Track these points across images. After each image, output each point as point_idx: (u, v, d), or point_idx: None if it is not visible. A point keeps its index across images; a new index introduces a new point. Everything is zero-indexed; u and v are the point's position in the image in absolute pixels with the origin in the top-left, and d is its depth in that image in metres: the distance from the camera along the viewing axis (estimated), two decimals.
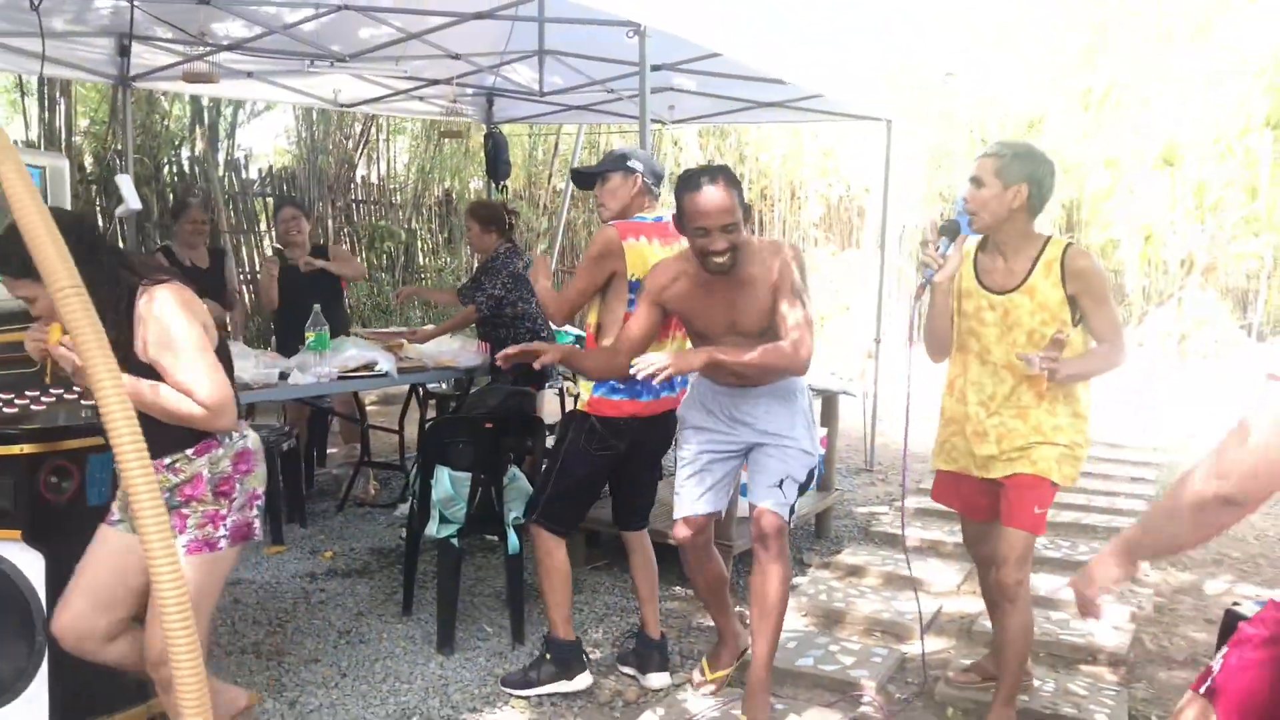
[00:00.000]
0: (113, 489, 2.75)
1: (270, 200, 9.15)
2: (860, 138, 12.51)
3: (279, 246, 5.92)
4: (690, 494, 3.36)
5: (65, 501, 2.72)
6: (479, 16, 4.90)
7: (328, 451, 6.56)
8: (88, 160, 7.80)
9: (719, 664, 3.54)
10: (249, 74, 6.21)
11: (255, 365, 4.46)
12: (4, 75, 8.13)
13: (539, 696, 3.41)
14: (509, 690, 3.44)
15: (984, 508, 3.22)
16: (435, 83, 6.64)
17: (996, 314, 3.03)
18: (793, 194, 13.66)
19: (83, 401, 2.93)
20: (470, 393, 5.03)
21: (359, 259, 8.93)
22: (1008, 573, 3.04)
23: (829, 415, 5.34)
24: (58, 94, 7.60)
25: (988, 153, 2.98)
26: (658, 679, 3.56)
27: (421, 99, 7.38)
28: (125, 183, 3.73)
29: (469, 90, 7.44)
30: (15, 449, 2.62)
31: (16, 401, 2.83)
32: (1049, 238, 3.00)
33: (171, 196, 8.20)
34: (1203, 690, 1.73)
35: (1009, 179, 2.88)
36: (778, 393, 3.23)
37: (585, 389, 3.44)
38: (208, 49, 5.29)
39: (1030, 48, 13.14)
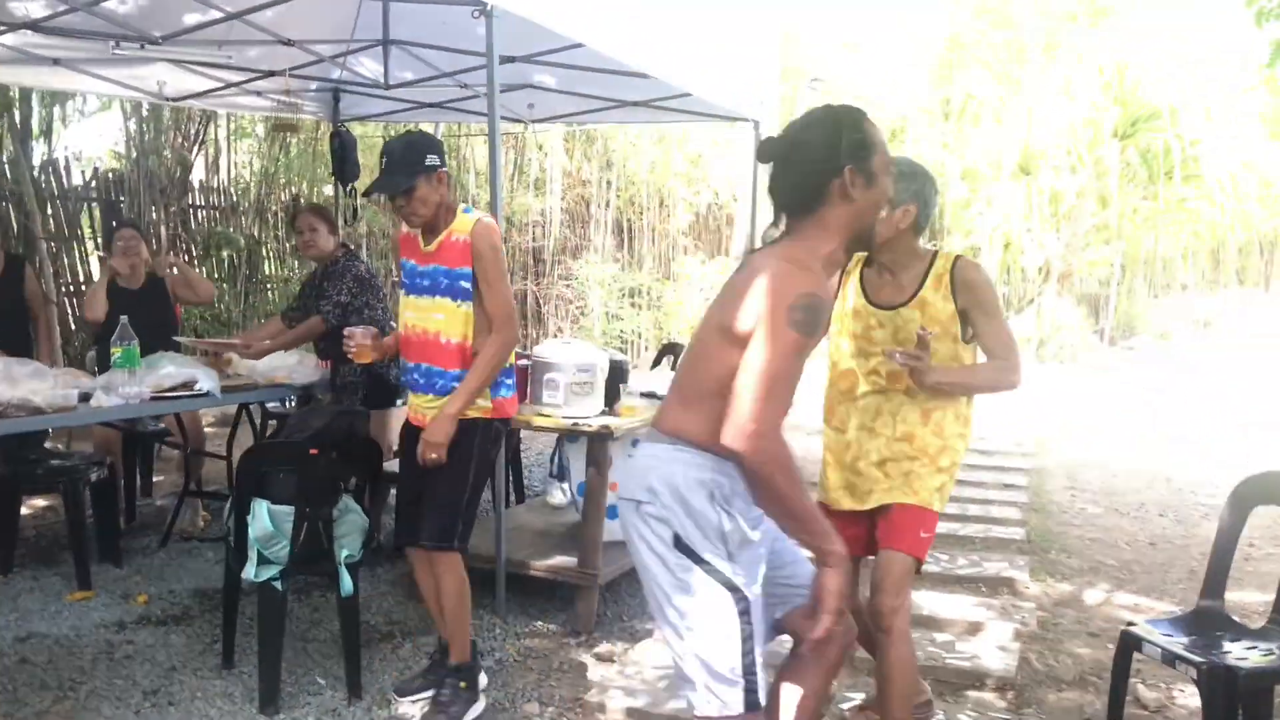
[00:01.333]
0: None
1: (95, 206, 8.38)
2: (727, 145, 12.41)
3: (109, 261, 5.25)
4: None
5: None
6: None
7: (153, 480, 5.92)
8: None
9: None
10: (55, 61, 5.55)
11: (52, 386, 3.89)
12: None
13: None
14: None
15: (859, 539, 2.91)
16: (270, 74, 6.09)
17: (886, 331, 2.85)
18: (661, 202, 13.46)
19: None
20: (288, 415, 4.52)
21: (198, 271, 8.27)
22: (883, 599, 2.79)
23: None
24: None
25: None
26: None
27: (259, 94, 6.79)
28: None
29: (312, 85, 6.89)
30: None
31: None
32: (936, 251, 2.86)
33: None
34: None
35: (897, 199, 2.69)
36: None
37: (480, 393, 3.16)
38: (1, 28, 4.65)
39: (892, 58, 13.29)
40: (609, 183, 12.79)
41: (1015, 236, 14.82)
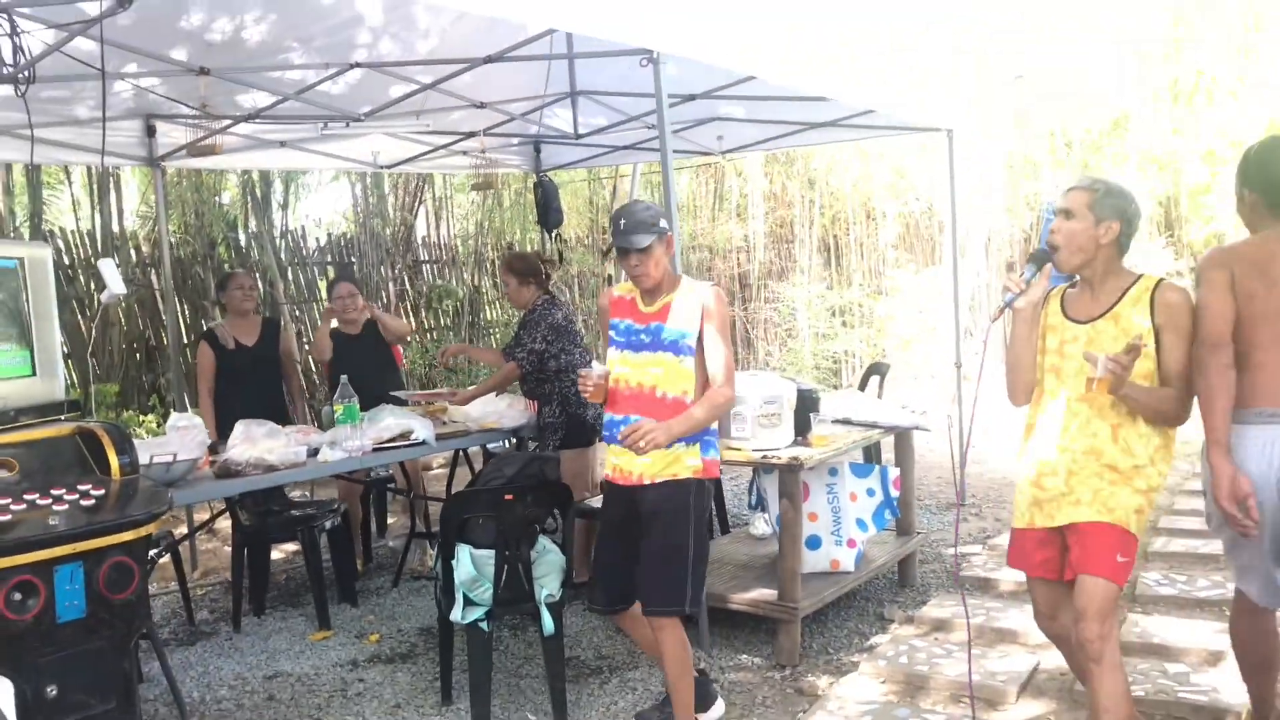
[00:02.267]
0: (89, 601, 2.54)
1: (330, 268, 9.11)
2: (933, 153, 12.03)
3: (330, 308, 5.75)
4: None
5: (30, 620, 2.49)
6: (489, 60, 4.67)
7: (388, 523, 6.35)
8: (144, 245, 7.84)
9: None
10: (281, 143, 6.12)
11: (285, 444, 4.26)
12: (76, 171, 8.23)
13: None
14: None
15: (1052, 562, 2.85)
16: (470, 135, 6.46)
17: (1079, 345, 2.80)
18: (868, 215, 13.19)
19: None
20: (485, 463, 4.74)
21: (410, 321, 8.82)
22: (1087, 627, 2.69)
23: (903, 452, 4.91)
24: (109, 182, 7.69)
25: (1079, 186, 2.85)
26: (715, 710, 3.45)
27: (465, 153, 7.22)
28: (107, 267, 3.57)
29: (514, 140, 7.25)
30: None
31: None
32: (1141, 275, 2.83)
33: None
34: None
35: (1101, 214, 2.75)
36: None
37: (690, 452, 3.17)
38: (228, 122, 5.18)
39: (1106, 41, 12.47)
40: (812, 201, 12.68)
41: None
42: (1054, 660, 3.81)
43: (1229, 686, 3.45)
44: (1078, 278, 2.89)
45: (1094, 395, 2.69)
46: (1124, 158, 13.74)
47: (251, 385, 5.26)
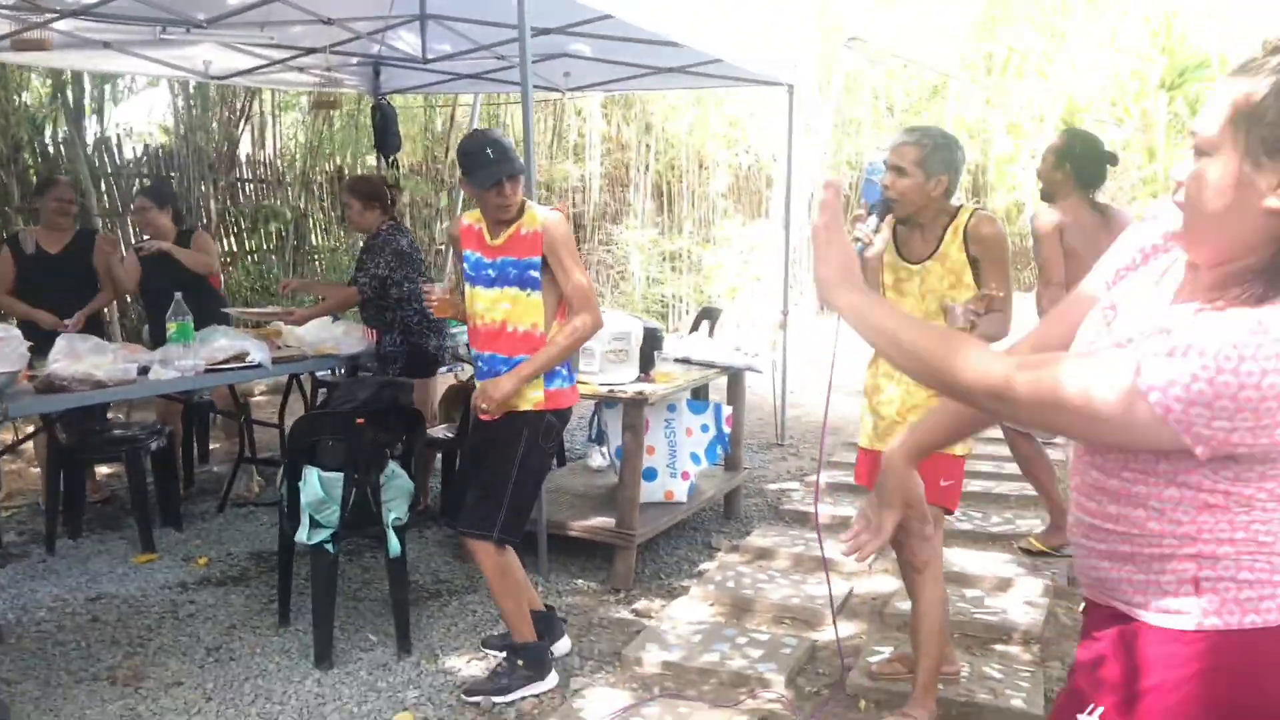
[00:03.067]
0: None
1: (146, 181, 8.60)
2: (767, 105, 12.36)
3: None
4: None
5: None
6: None
7: (209, 448, 6.16)
8: None
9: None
10: (105, 44, 5.73)
11: (113, 360, 4.08)
12: None
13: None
14: (474, 698, 3.21)
15: (869, 473, 3.12)
16: (311, 51, 6.23)
17: (914, 283, 3.03)
18: (700, 164, 13.46)
19: None
20: (337, 385, 4.68)
21: (225, 244, 8.47)
22: (913, 546, 2.92)
23: (735, 392, 5.15)
24: None
25: (906, 141, 2.95)
26: (561, 645, 3.53)
27: (301, 70, 6.95)
28: None
29: (353, 60, 7.03)
30: None
31: None
32: (960, 206, 3.00)
33: (34, 179, 7.63)
34: None
35: (931, 169, 2.89)
36: None
37: (533, 385, 3.21)
38: (52, 15, 4.82)
39: (931, 12, 13.09)
40: (648, 146, 12.82)
41: None
42: (866, 587, 4.15)
43: (1017, 609, 3.85)
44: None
45: None
46: (940, 123, 14.51)
47: (51, 295, 5.01)
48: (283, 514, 3.59)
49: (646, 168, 12.83)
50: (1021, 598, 3.98)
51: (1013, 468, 5.98)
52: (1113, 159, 4.18)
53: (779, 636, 3.66)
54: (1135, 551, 1.38)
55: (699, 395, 5.45)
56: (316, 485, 3.35)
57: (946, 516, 3.14)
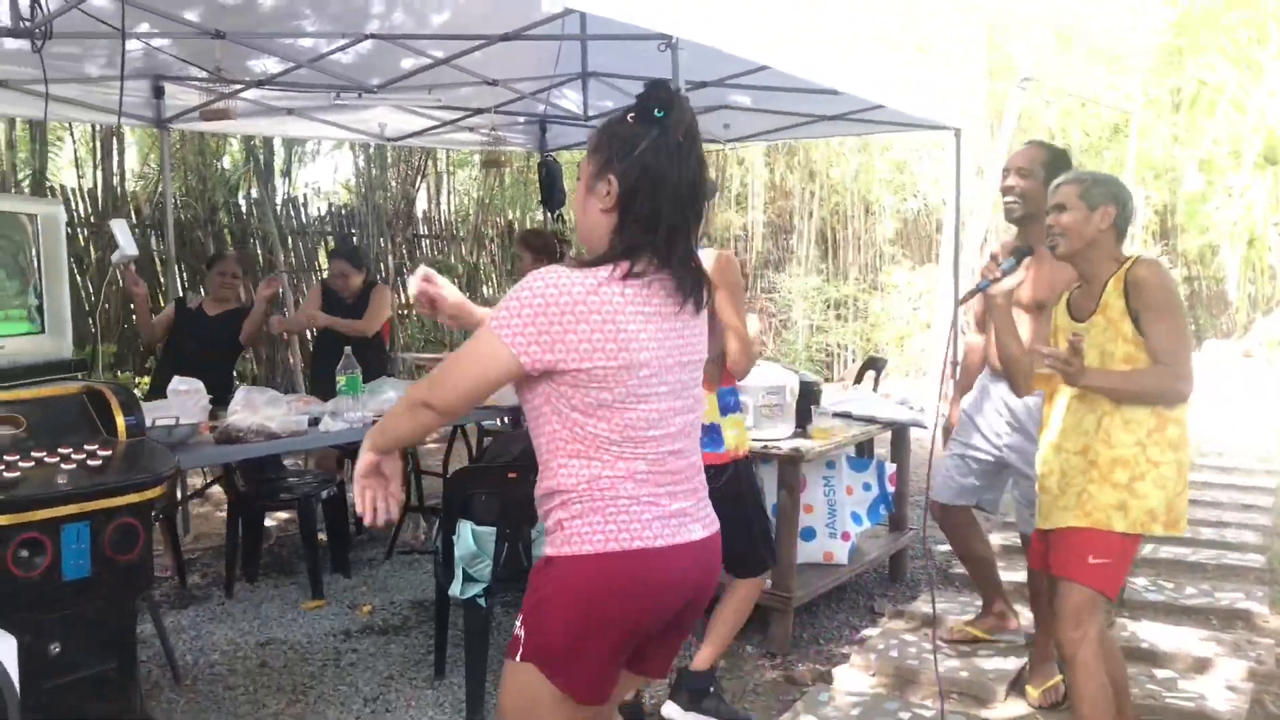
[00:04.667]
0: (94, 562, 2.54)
1: (330, 238, 9.07)
2: (936, 150, 12.06)
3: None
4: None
5: (37, 577, 2.49)
6: (505, 38, 4.66)
7: None
8: (145, 207, 7.79)
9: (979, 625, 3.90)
10: (289, 111, 6.09)
11: (286, 412, 4.26)
12: (79, 129, 8.16)
13: None
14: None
15: (1041, 555, 2.94)
16: (479, 112, 6.43)
17: (1086, 343, 2.77)
18: (866, 209, 13.22)
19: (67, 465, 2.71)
20: (489, 441, 4.75)
21: (397, 297, 8.77)
22: (1061, 628, 2.73)
23: (899, 448, 4.95)
24: (112, 142, 7.64)
25: (1065, 181, 2.84)
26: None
27: (471, 130, 7.20)
28: (120, 228, 3.55)
29: (521, 119, 7.23)
30: None
31: None
32: (1128, 258, 2.79)
33: (229, 238, 8.15)
34: None
35: (1094, 201, 2.75)
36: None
37: (738, 428, 3.33)
38: (236, 88, 5.15)
39: (1111, 48, 12.50)
40: (812, 193, 12.70)
41: (1260, 231, 13.65)
42: None
43: (1216, 694, 3.50)
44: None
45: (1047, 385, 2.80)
46: (1122, 163, 13.81)
47: (196, 352, 5.21)
48: (438, 567, 3.63)
49: (810, 214, 12.70)
50: (1221, 681, 3.62)
51: (1210, 532, 5.55)
52: None
53: (946, 713, 3.44)
54: None
55: (862, 452, 5.26)
56: (469, 539, 3.37)
57: (1124, 592, 2.91)
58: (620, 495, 1.80)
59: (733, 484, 3.23)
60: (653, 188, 1.79)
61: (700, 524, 1.92)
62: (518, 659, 1.85)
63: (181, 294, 6.72)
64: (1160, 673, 3.72)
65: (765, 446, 4.00)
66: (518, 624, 1.87)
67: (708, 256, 3.22)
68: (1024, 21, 11.44)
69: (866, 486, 4.58)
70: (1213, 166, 13.98)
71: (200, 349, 5.24)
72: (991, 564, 3.98)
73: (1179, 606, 4.43)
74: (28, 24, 3.63)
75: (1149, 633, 4.06)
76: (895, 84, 5.74)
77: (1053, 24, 11.36)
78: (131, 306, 7.23)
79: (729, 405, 3.30)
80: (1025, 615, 3.98)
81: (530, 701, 1.85)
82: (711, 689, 3.37)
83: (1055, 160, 3.36)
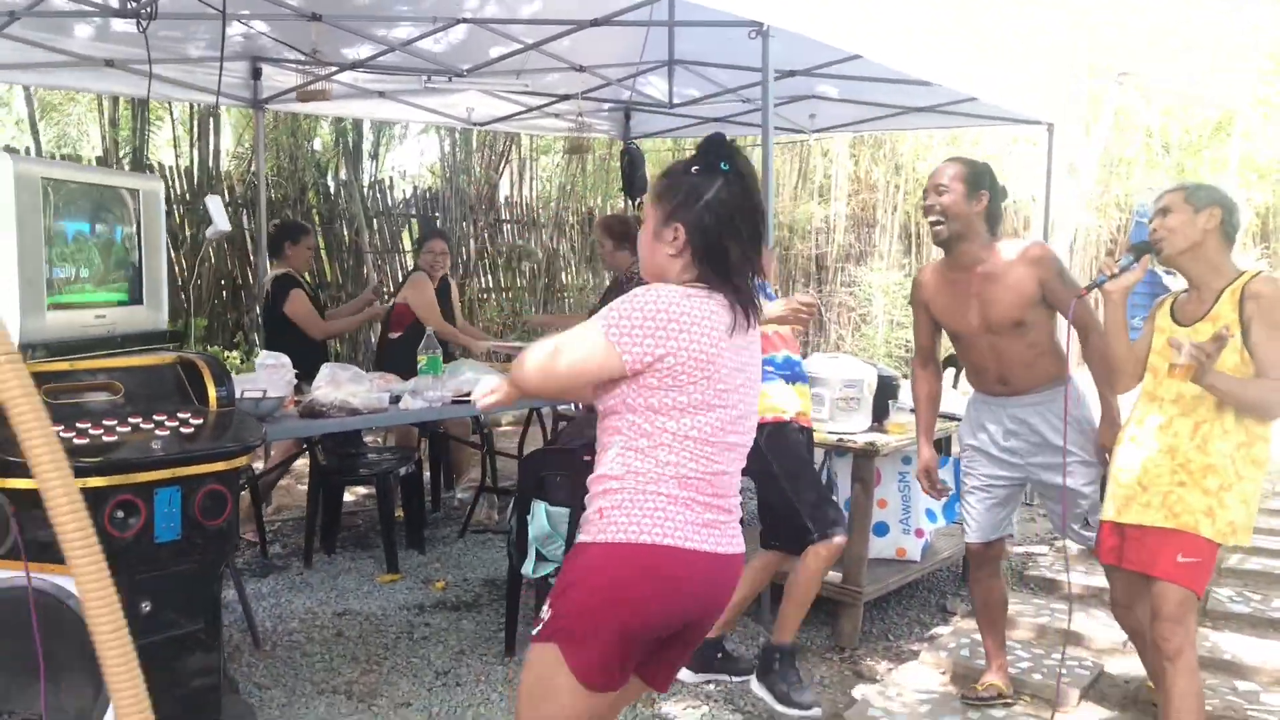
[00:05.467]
0: (184, 525, 2.64)
1: (414, 221, 9.22)
2: (1026, 144, 11.78)
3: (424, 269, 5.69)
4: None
5: (130, 538, 2.59)
6: (594, 24, 4.69)
7: (454, 475, 6.46)
8: (238, 185, 8.01)
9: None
10: (380, 94, 6.21)
11: (368, 389, 4.35)
12: (177, 107, 8.42)
13: None
14: (769, 693, 3.37)
15: (1117, 549, 2.91)
16: (566, 98, 6.48)
17: None
18: None
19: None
20: (564, 424, 4.79)
21: (479, 281, 8.86)
22: (1160, 627, 2.72)
23: None
24: (209, 122, 7.86)
25: (1169, 189, 2.88)
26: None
27: (557, 115, 7.26)
28: (215, 204, 3.66)
29: (606, 105, 7.26)
30: (80, 482, 2.50)
31: (91, 432, 2.74)
32: (1244, 272, 2.78)
33: (317, 219, 8.33)
34: None
35: (1200, 203, 2.76)
36: (1045, 399, 3.25)
37: (800, 397, 3.48)
38: (332, 70, 5.26)
39: (1219, 45, 12.07)
40: (897, 186, 12.51)
41: None
42: (1119, 667, 3.78)
43: None
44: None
45: (1178, 378, 2.66)
46: (1224, 163, 13.35)
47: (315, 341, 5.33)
48: (511, 546, 3.68)
49: (895, 208, 12.52)
50: None
51: None
52: None
53: (1015, 715, 3.38)
54: None
55: (941, 449, 5.19)
56: (544, 519, 3.41)
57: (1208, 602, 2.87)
58: (661, 492, 1.91)
59: (752, 455, 3.26)
60: (718, 235, 1.95)
61: (729, 541, 2.02)
62: (539, 639, 1.96)
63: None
64: (1242, 685, 3.61)
65: (840, 439, 3.97)
66: (545, 607, 1.98)
67: None
68: (1124, 16, 11.11)
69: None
70: None
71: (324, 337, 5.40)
72: (1005, 609, 3.62)
73: (1265, 619, 4.28)
74: (135, 4, 3.76)
75: (1232, 644, 3.94)
76: (990, 76, 5.63)
77: (1152, 20, 11.02)
78: (221, 283, 7.46)
79: (765, 375, 3.34)
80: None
81: (546, 683, 1.94)
82: (779, 661, 3.42)
83: (976, 175, 3.19)
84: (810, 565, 3.38)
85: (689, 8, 4.50)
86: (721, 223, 1.94)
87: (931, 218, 3.24)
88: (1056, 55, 6.89)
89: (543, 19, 4.95)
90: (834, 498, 4.76)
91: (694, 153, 2.03)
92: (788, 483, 3.38)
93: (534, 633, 1.98)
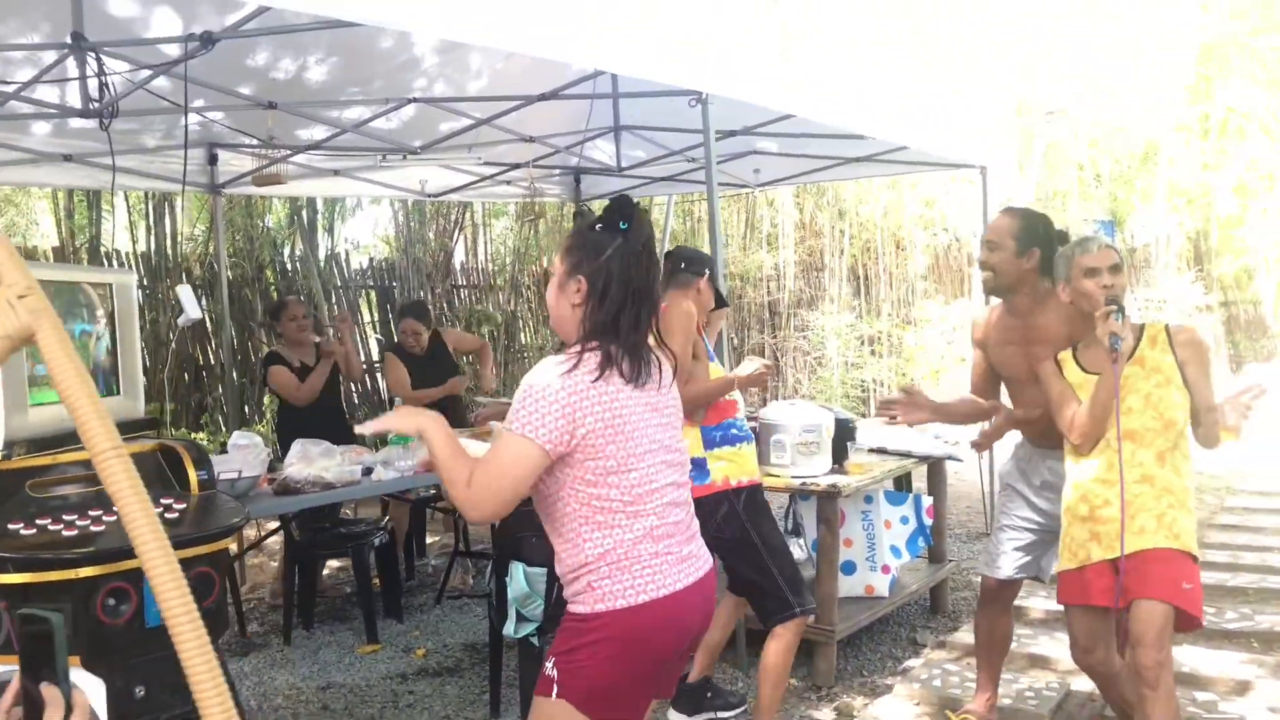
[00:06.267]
0: None
1: (373, 292, 9.31)
2: (964, 185, 12.16)
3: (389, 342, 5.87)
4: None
5: (123, 624, 2.66)
6: (543, 98, 4.88)
7: (426, 541, 6.51)
8: (196, 268, 8.08)
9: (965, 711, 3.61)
10: (335, 172, 6.35)
11: (340, 462, 4.44)
12: (131, 194, 8.49)
13: None
14: None
15: (1110, 590, 2.89)
16: (516, 166, 6.66)
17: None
18: (897, 245, 13.33)
19: None
20: None
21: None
22: (1145, 654, 2.72)
23: (935, 481, 5.04)
24: (164, 208, 7.95)
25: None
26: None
27: (509, 183, 7.43)
28: (185, 293, 3.77)
29: (556, 171, 7.45)
30: (72, 573, 2.58)
31: (78, 523, 2.81)
32: (1144, 324, 2.99)
33: (275, 295, 8.41)
34: None
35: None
36: None
37: (742, 460, 3.47)
38: (288, 153, 5.40)
39: (1137, 78, 12.58)
40: (842, 231, 12.83)
41: None
42: (1085, 684, 3.92)
43: (1257, 716, 3.55)
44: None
45: (1232, 438, 2.87)
46: (1151, 192, 13.84)
47: (317, 403, 5.41)
48: (491, 608, 3.77)
49: (841, 252, 12.82)
50: (1263, 704, 3.67)
51: (1251, 558, 5.57)
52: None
53: None
54: None
55: (901, 485, 5.36)
56: (522, 580, 3.51)
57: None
58: (643, 554, 2.06)
59: (732, 521, 3.38)
60: (616, 288, 2.09)
61: (705, 560, 2.23)
62: (553, 696, 2.08)
63: (249, 350, 6.98)
64: (1201, 695, 3.77)
65: (804, 483, 4.11)
66: (549, 665, 2.11)
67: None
68: (1050, 57, 11.58)
69: (904, 520, 4.68)
70: (1246, 190, 13.96)
71: (322, 405, 5.46)
72: (1008, 648, 3.72)
73: (1220, 630, 4.46)
74: (96, 105, 3.88)
75: (1189, 656, 4.11)
76: (921, 125, 5.89)
77: (1078, 59, 11.49)
78: (183, 366, 7.50)
79: (714, 440, 3.43)
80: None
81: None
82: None
83: (1028, 232, 3.17)
84: (785, 644, 3.41)
85: (632, 80, 4.72)
86: (616, 278, 2.09)
87: (984, 273, 3.27)
88: (987, 98, 7.22)
89: (491, 95, 5.12)
90: (800, 539, 4.92)
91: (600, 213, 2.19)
92: (768, 554, 3.40)
93: (543, 691, 2.10)
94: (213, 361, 7.80)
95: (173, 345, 7.53)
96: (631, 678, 2.08)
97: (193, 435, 6.79)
